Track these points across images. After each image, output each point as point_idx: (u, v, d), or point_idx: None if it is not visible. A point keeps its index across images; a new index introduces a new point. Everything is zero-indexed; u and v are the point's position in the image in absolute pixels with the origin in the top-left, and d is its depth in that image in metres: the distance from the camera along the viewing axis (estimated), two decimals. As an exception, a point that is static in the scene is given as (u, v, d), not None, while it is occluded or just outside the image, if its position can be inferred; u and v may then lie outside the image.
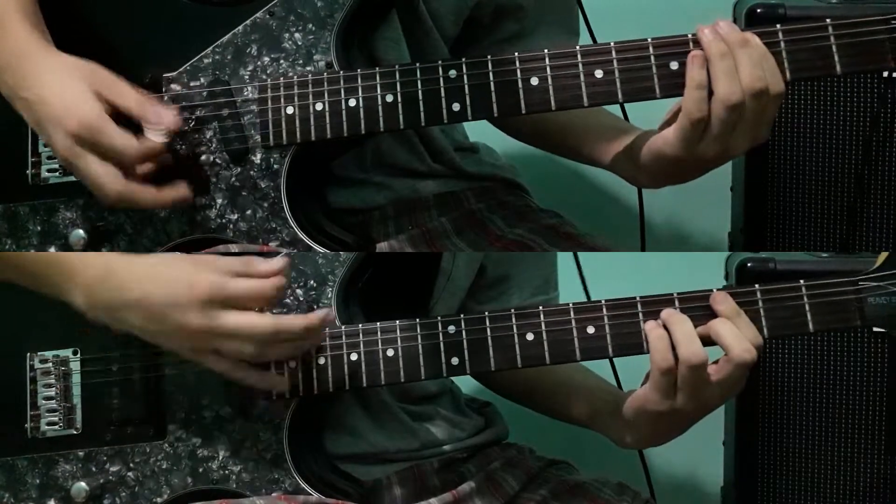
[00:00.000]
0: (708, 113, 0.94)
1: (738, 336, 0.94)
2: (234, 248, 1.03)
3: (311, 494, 1.00)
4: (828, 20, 0.95)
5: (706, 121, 0.94)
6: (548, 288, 1.20)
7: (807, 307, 0.97)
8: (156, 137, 0.98)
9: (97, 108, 0.96)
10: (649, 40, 0.97)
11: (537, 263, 1.19)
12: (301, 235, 1.01)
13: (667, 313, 0.97)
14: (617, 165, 1.07)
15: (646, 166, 1.01)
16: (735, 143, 0.95)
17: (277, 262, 0.96)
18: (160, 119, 0.98)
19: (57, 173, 1.05)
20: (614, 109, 1.11)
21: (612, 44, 0.97)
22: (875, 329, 0.98)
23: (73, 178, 1.04)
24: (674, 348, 0.95)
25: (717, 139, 0.94)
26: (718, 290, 0.97)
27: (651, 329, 0.96)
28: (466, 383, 1.21)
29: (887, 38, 0.94)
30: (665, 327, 0.96)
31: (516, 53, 0.98)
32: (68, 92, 0.96)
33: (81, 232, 1.04)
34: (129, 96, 0.98)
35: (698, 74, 0.94)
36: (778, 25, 0.95)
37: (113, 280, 0.96)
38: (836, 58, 0.94)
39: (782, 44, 0.95)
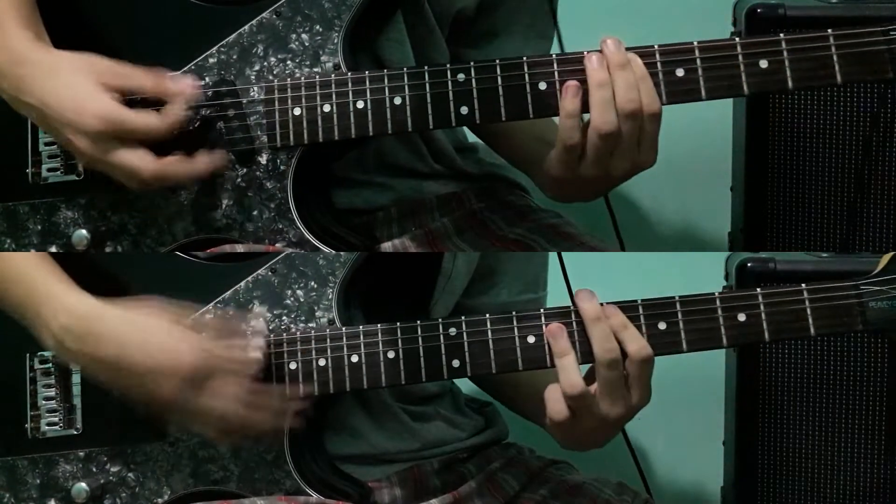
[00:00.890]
0: (583, 139, 0.98)
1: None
2: (239, 248, 1.04)
3: (311, 495, 1.02)
4: (829, 31, 0.98)
5: (581, 146, 0.98)
6: (537, 287, 1.22)
7: (808, 311, 0.99)
8: (178, 108, 0.99)
9: (109, 100, 0.97)
10: (656, 47, 0.99)
11: (528, 262, 1.21)
12: (308, 236, 1.03)
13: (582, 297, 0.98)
14: (534, 179, 1.12)
15: (542, 183, 1.07)
16: (615, 166, 0.99)
17: (257, 332, 0.99)
18: (178, 88, 1.00)
19: (58, 172, 1.06)
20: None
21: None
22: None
23: (73, 178, 1.05)
24: None
25: (594, 163, 0.99)
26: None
27: (567, 99, 0.97)
28: (467, 383, 1.23)
29: (886, 48, 0.98)
30: None
31: (524, 58, 1.00)
32: (75, 92, 0.97)
33: (84, 232, 1.05)
34: (138, 77, 0.99)
35: (570, 104, 0.98)
36: (781, 35, 0.98)
37: (88, 332, 0.97)
38: (837, 67, 0.98)
39: (785, 53, 0.98)
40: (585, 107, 0.98)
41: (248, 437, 0.99)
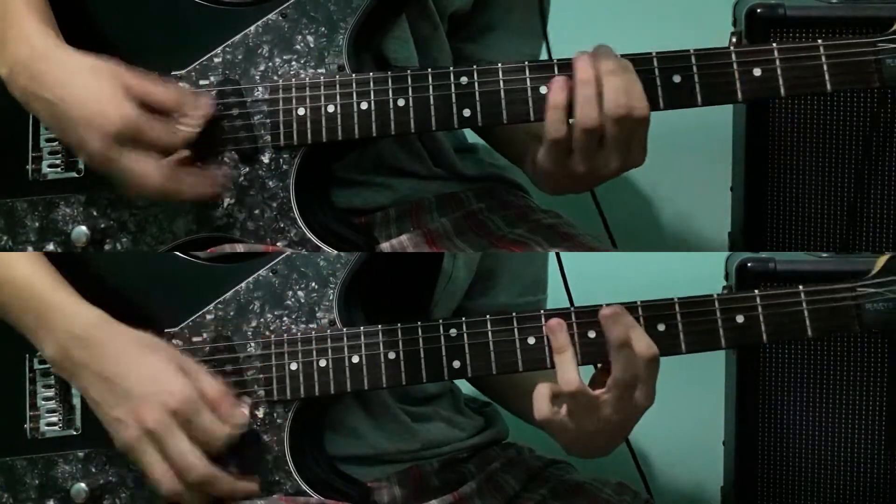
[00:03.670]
0: (570, 133, 1.01)
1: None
2: (240, 247, 1.06)
3: (311, 496, 1.04)
4: (819, 41, 1.02)
5: (568, 140, 1.01)
6: (536, 290, 1.24)
7: (805, 313, 1.01)
8: (196, 123, 1.01)
9: (132, 105, 0.99)
10: (654, 53, 1.02)
11: (528, 264, 1.23)
12: (309, 235, 1.05)
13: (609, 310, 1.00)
14: (527, 173, 1.14)
15: (534, 177, 1.10)
16: (603, 164, 1.02)
17: (242, 414, 1.01)
18: (198, 107, 1.02)
19: (58, 169, 1.07)
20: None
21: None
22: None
23: (73, 175, 1.07)
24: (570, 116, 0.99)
25: (582, 159, 1.02)
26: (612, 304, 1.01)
27: (553, 91, 0.99)
28: (466, 383, 1.25)
29: (873, 59, 1.01)
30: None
31: (526, 62, 1.03)
32: (98, 93, 0.99)
33: (84, 229, 1.07)
34: (159, 90, 1.01)
35: (556, 96, 1.01)
36: (774, 44, 1.02)
37: (88, 348, 1.00)
38: (827, 76, 1.02)
39: (777, 61, 1.02)
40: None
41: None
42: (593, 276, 1.25)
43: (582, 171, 1.02)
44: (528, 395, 1.08)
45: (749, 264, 1.37)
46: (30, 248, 1.08)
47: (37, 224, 1.08)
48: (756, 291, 1.01)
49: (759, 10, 1.39)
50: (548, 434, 1.04)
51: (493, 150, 1.25)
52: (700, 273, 1.47)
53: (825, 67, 1.01)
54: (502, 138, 1.22)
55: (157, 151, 1.00)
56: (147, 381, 0.99)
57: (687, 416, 1.60)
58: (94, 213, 1.07)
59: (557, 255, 1.18)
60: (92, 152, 1.00)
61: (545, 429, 1.03)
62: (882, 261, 1.01)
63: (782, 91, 1.02)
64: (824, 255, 1.40)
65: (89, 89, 0.99)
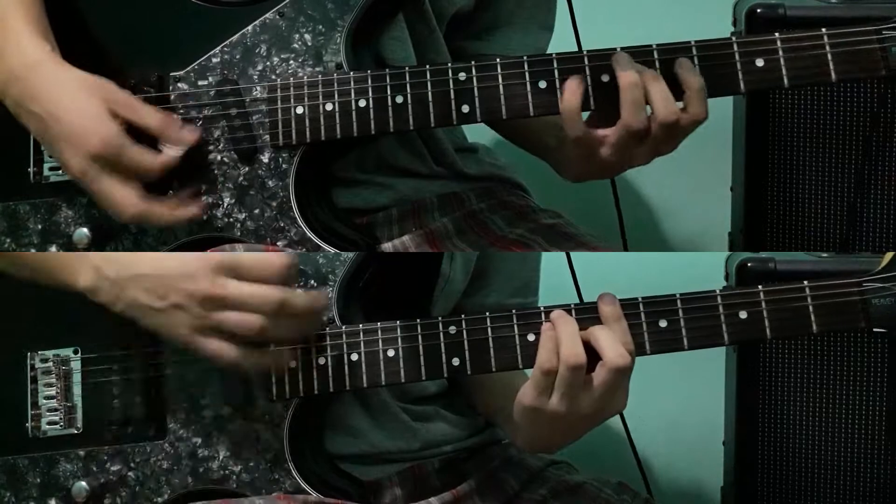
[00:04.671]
0: (587, 128, 1.01)
1: (613, 341, 0.97)
2: (240, 247, 1.06)
3: (310, 494, 1.03)
4: (823, 29, 1.00)
5: (587, 133, 1.01)
6: (527, 292, 1.23)
7: (810, 308, 0.99)
8: (175, 152, 1.02)
9: (115, 127, 0.99)
10: (654, 46, 1.01)
11: (520, 266, 1.23)
12: (310, 234, 1.05)
13: (556, 314, 0.99)
14: (549, 162, 1.14)
15: (557, 164, 1.12)
16: (637, 156, 1.03)
17: (287, 255, 1.00)
18: (181, 137, 1.02)
19: (59, 171, 1.07)
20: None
21: (618, 49, 1.01)
22: (875, 329, 1.00)
23: (74, 177, 1.08)
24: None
25: (614, 153, 1.02)
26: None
27: (544, 330, 0.99)
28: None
29: (879, 47, 1.00)
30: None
31: (525, 56, 1.02)
32: (83, 111, 0.99)
33: (86, 230, 1.07)
34: (147, 114, 1.01)
35: (569, 101, 1.00)
36: (776, 34, 1.01)
37: (124, 256, 1.00)
38: (832, 66, 1.00)
39: (780, 51, 1.01)
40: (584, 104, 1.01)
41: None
42: (593, 276, 1.25)
43: (613, 162, 1.02)
44: (492, 391, 1.08)
45: (749, 264, 1.37)
46: (32, 251, 1.08)
47: (39, 226, 1.08)
48: (760, 287, 1.00)
49: (759, 10, 1.40)
50: (507, 427, 1.03)
51: (511, 142, 1.24)
52: (700, 273, 1.47)
53: (829, 56, 1.00)
54: (522, 132, 1.21)
55: (133, 177, 1.00)
56: (74, 125, 0.99)
57: (687, 416, 1.60)
58: (96, 215, 1.07)
59: (568, 254, 1.18)
60: (72, 170, 1.01)
61: (517, 420, 1.01)
62: (889, 256, 1.00)
63: (786, 81, 1.01)
64: (824, 255, 1.41)
65: (75, 106, 0.99)
